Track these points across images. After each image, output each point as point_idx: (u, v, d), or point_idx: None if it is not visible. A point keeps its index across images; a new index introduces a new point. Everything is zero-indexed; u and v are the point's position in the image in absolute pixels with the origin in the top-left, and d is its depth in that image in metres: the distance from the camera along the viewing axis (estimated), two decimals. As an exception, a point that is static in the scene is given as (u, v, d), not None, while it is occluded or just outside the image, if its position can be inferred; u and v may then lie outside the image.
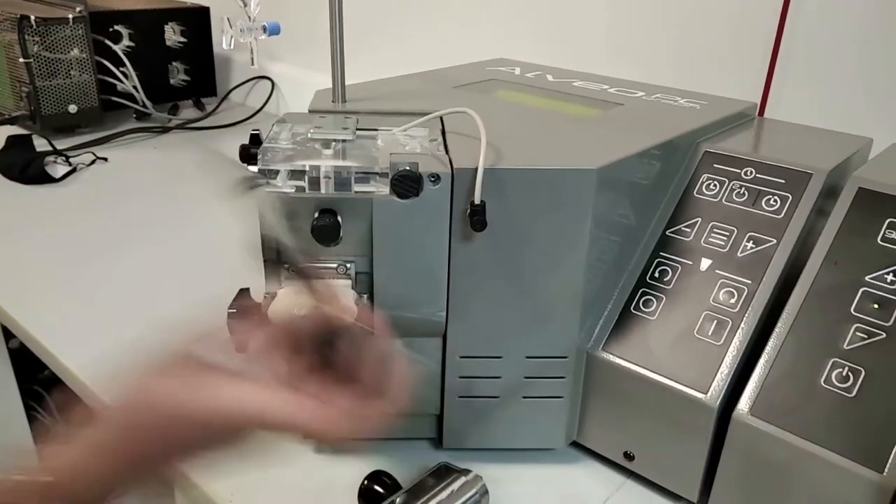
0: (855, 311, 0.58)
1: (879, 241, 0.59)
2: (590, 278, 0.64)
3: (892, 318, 0.56)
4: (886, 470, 0.52)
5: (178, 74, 1.73)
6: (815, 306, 0.59)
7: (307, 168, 0.58)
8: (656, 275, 0.67)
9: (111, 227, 1.15)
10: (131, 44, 1.61)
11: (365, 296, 0.60)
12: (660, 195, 0.69)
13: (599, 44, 1.16)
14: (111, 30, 1.57)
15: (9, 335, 1.13)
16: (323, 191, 0.58)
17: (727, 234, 0.65)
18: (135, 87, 1.61)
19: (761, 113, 0.99)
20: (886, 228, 0.60)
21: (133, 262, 1.03)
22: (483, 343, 0.64)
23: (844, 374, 0.56)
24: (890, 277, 0.58)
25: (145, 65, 1.63)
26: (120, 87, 1.59)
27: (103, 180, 1.35)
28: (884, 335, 0.56)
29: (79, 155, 1.41)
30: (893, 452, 0.52)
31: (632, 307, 0.66)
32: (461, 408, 0.67)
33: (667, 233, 0.68)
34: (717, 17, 1.02)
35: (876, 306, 0.57)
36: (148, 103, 1.64)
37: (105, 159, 1.42)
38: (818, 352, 0.58)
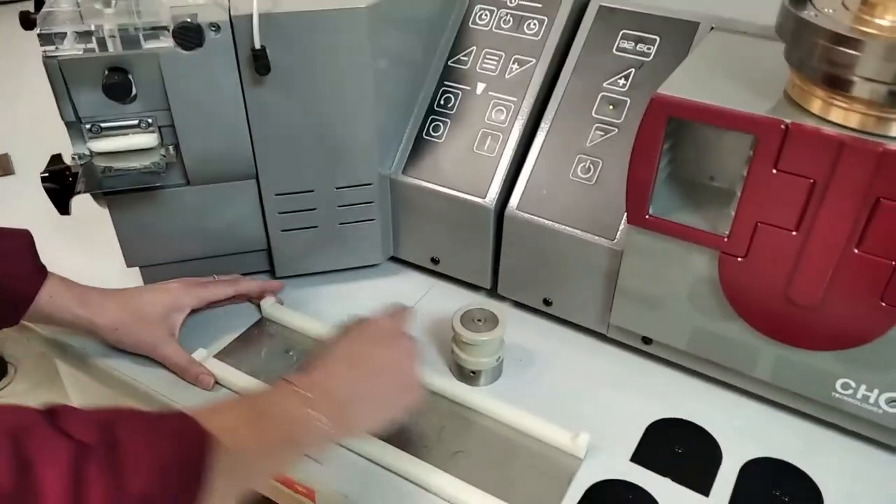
0: (595, 113, 0.69)
1: (615, 52, 0.70)
2: (382, 110, 0.71)
3: (623, 116, 0.68)
4: (616, 237, 0.66)
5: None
6: (566, 113, 0.70)
7: (93, 28, 0.60)
8: (442, 102, 0.75)
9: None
10: None
11: (171, 147, 0.66)
12: (440, 29, 0.76)
13: None
14: None
15: None
16: (111, 49, 0.61)
17: (497, 58, 0.74)
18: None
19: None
20: (620, 39, 0.70)
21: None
22: (294, 180, 0.72)
23: (587, 166, 0.68)
24: (622, 82, 0.69)
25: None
26: None
27: None
28: (616, 131, 0.68)
29: None
30: (620, 225, 0.66)
31: (424, 133, 0.75)
32: (286, 240, 0.76)
33: (449, 63, 0.76)
34: None
35: (611, 107, 0.69)
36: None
37: None
38: (568, 151, 0.69)
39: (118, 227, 0.70)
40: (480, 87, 0.74)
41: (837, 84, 0.49)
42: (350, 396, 0.53)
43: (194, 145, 0.66)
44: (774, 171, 0.52)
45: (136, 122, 0.64)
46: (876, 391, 0.58)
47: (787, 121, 0.50)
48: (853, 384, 0.58)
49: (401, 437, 0.61)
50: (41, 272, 0.64)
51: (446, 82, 0.75)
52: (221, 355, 0.69)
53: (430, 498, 0.57)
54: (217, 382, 0.66)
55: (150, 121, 0.64)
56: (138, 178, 0.66)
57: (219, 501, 0.42)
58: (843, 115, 0.50)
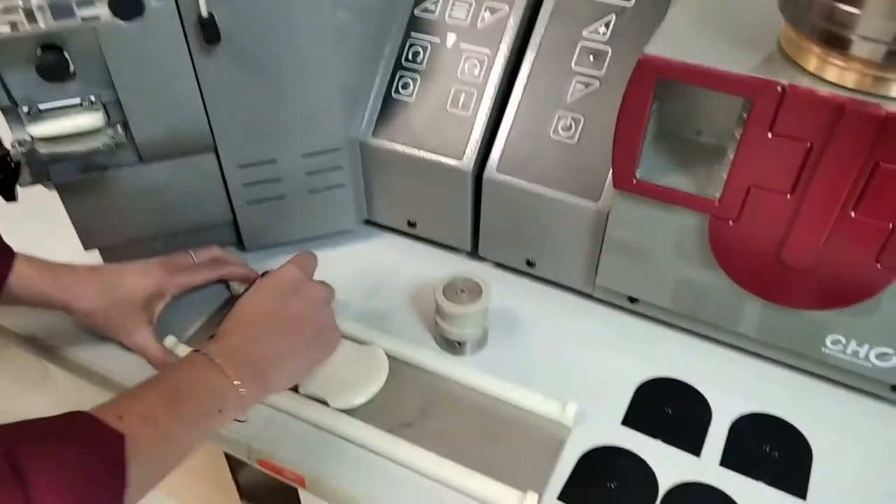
0: (575, 65, 0.65)
1: (594, -4, 0.65)
2: (345, 68, 0.66)
3: (604, 68, 0.64)
4: (600, 198, 0.63)
5: None
6: (544, 66, 0.66)
7: (20, 2, 0.54)
8: (410, 56, 0.70)
9: None
10: None
11: (119, 125, 0.60)
12: (404, -26, 0.70)
13: None
14: None
15: None
16: (42, 24, 0.55)
17: (467, 6, 0.68)
18: None
19: None
20: (599, -18, 0.65)
21: None
22: (256, 150, 0.67)
23: (568, 123, 0.65)
24: (602, 29, 0.64)
25: None
26: None
27: None
28: (598, 84, 0.64)
29: None
30: (605, 185, 0.63)
31: (392, 92, 0.70)
32: (252, 212, 0.72)
33: (415, 12, 0.70)
34: None
35: (592, 58, 0.64)
36: None
37: None
38: (547, 108, 0.65)
39: (70, 212, 0.66)
40: (451, 38, 0.69)
41: (835, 42, 0.45)
42: (264, 354, 0.53)
43: (144, 122, 0.61)
44: (769, 134, 0.49)
45: (77, 100, 0.58)
46: (866, 346, 0.57)
47: (784, 82, 0.47)
48: (843, 340, 0.58)
49: (386, 417, 0.59)
50: (7, 253, 0.59)
51: (413, 34, 0.70)
52: (192, 341, 0.66)
53: (419, 479, 0.56)
54: (194, 372, 0.63)
55: (92, 99, 0.59)
56: (88, 162, 0.61)
57: (144, 488, 0.42)
58: (839, 74, 0.47)
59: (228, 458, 0.77)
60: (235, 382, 0.49)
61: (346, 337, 0.64)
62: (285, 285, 0.58)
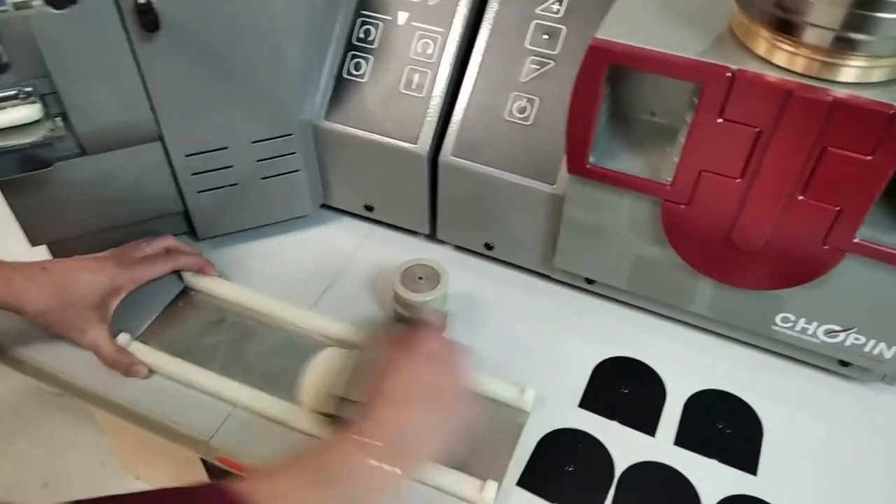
0: (529, 44, 0.64)
1: (546, -27, 0.64)
2: (295, 49, 0.64)
3: (558, 47, 0.63)
4: (556, 181, 0.63)
5: None
6: (497, 45, 0.65)
7: (-60, -13, 0.51)
8: (361, 35, 0.68)
9: None
10: None
11: (59, 118, 0.58)
12: (352, -51, 0.68)
13: None
14: None
15: None
16: (-33, 13, 0.52)
17: (418, -17, 0.67)
18: None
19: None
20: (551, -41, 0.64)
21: None
22: (204, 138, 0.65)
23: (523, 105, 0.64)
24: (556, 7, 0.63)
25: None
26: None
27: None
28: (552, 64, 0.63)
29: None
30: (560, 168, 0.63)
31: (344, 72, 0.69)
32: (204, 201, 0.70)
33: (364, -10, 0.68)
34: None
35: (545, 37, 0.63)
36: None
37: None
38: (502, 88, 0.64)
39: (14, 208, 0.63)
40: (402, 16, 0.67)
41: (784, 27, 0.45)
42: (416, 437, 0.48)
43: (85, 113, 0.59)
44: (720, 120, 0.49)
45: (13, 92, 0.56)
46: (815, 324, 0.59)
47: (734, 68, 0.47)
48: (793, 318, 0.59)
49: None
50: None
51: (363, 12, 0.68)
52: (146, 336, 0.64)
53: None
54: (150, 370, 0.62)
55: (29, 90, 0.56)
56: (29, 157, 0.59)
57: None
58: (788, 59, 0.46)
59: (204, 461, 0.77)
60: (382, 465, 0.45)
61: (329, 340, 0.64)
62: (433, 357, 0.52)
